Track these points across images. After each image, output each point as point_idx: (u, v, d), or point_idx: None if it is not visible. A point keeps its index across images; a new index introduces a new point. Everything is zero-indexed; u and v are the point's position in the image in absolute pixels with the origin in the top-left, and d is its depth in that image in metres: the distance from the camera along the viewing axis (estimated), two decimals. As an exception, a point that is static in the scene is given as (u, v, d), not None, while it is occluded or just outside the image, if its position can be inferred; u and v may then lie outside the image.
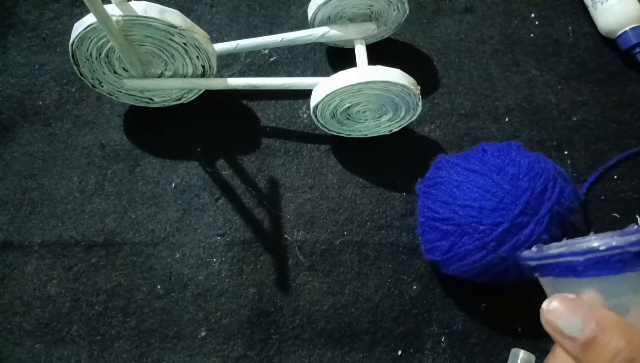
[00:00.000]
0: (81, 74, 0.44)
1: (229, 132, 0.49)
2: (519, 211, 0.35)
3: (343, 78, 0.40)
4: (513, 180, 0.36)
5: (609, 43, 0.52)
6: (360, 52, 0.44)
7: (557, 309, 0.26)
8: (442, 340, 0.41)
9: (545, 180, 0.36)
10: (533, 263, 0.31)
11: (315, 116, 0.44)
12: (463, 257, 0.36)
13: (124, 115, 0.49)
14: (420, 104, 0.43)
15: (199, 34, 0.41)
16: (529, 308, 0.42)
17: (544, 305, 0.27)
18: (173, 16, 0.39)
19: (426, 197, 0.39)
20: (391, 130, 0.47)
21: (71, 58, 0.42)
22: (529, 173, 0.36)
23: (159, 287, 0.43)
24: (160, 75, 0.45)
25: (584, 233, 0.44)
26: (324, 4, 0.44)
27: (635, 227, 0.26)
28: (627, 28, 0.49)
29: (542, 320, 0.27)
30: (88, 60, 0.42)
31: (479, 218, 0.35)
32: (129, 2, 0.38)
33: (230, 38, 0.52)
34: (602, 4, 0.50)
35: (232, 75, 0.51)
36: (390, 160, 0.47)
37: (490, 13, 0.54)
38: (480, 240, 0.35)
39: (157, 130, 0.49)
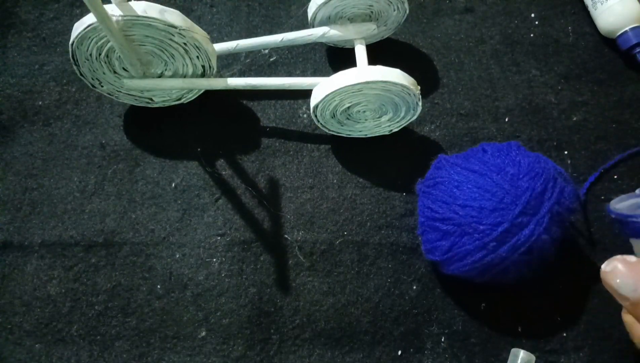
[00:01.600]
0: (81, 74, 0.44)
1: (229, 132, 0.49)
2: (519, 211, 0.35)
3: (343, 78, 0.40)
4: (513, 180, 0.36)
5: (609, 43, 0.52)
6: (360, 52, 0.44)
7: (613, 271, 0.28)
8: (442, 340, 0.41)
9: (545, 180, 0.36)
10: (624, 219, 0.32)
11: (315, 116, 0.44)
12: (463, 257, 0.37)
13: (124, 115, 0.49)
14: (420, 104, 0.43)
15: (199, 34, 0.41)
16: (529, 308, 0.42)
17: (603, 266, 0.28)
18: (173, 16, 0.39)
19: (426, 197, 0.39)
20: (391, 130, 0.47)
21: (71, 58, 0.42)
22: (529, 173, 0.36)
23: (159, 287, 0.43)
24: (160, 75, 0.45)
25: (583, 233, 0.44)
26: (324, 4, 0.44)
27: None
28: (627, 28, 0.49)
29: (602, 278, 0.28)
30: (88, 60, 0.42)
31: (479, 218, 0.35)
32: (129, 2, 0.38)
33: (230, 38, 0.52)
34: (602, 4, 0.50)
35: (232, 75, 0.51)
36: (390, 160, 0.47)
37: (490, 13, 0.54)
38: (480, 240, 0.35)
39: (157, 130, 0.49)
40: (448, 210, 0.37)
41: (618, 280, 0.27)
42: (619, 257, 0.28)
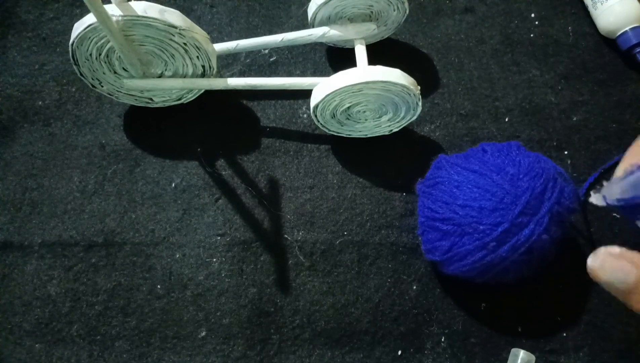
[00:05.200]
0: (81, 74, 0.44)
1: (229, 132, 0.49)
2: (519, 211, 0.35)
3: (343, 78, 0.40)
4: (513, 180, 0.36)
5: (609, 43, 0.52)
6: (360, 52, 0.44)
7: (598, 266, 0.27)
8: (442, 340, 0.41)
9: (545, 180, 0.36)
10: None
11: (315, 116, 0.44)
12: (463, 257, 0.37)
13: (124, 115, 0.49)
14: (420, 104, 0.43)
15: (199, 34, 0.41)
16: (529, 308, 0.42)
17: (589, 261, 0.28)
18: (173, 16, 0.39)
19: (426, 197, 0.39)
20: (391, 130, 0.47)
21: (71, 58, 0.42)
22: (529, 173, 0.36)
23: (159, 287, 0.43)
24: (160, 75, 0.45)
25: (583, 233, 0.44)
26: (324, 4, 0.44)
27: None
28: (627, 28, 0.49)
29: (590, 274, 0.28)
30: (88, 60, 0.42)
31: (479, 218, 0.35)
32: (129, 2, 0.38)
33: (230, 38, 0.52)
34: (602, 4, 0.50)
35: (232, 75, 0.51)
36: (390, 160, 0.47)
37: (490, 13, 0.54)
38: (480, 240, 0.35)
39: (157, 130, 0.49)
40: (448, 210, 0.37)
41: (605, 275, 0.27)
42: (602, 249, 0.27)
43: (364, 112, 0.44)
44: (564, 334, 0.41)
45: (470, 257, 0.36)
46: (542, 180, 0.36)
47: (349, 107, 0.44)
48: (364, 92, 0.41)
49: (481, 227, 0.35)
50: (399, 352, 0.41)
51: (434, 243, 0.38)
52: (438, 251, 0.38)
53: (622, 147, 0.47)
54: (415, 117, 0.45)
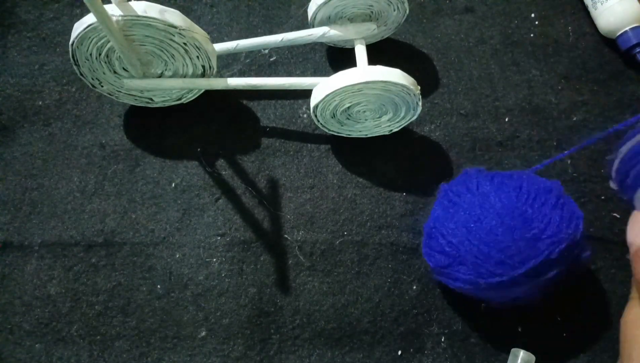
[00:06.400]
0: (81, 74, 0.44)
1: (229, 132, 0.49)
2: (522, 272, 0.34)
3: (343, 78, 0.40)
4: (533, 240, 0.34)
5: (609, 43, 0.52)
6: (360, 52, 0.44)
7: (631, 219, 0.31)
8: (442, 340, 0.41)
9: (566, 248, 0.34)
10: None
11: (315, 116, 0.44)
12: (455, 279, 0.37)
13: (124, 115, 0.49)
14: (420, 104, 0.43)
15: (199, 34, 0.41)
16: (529, 308, 0.42)
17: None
18: (173, 16, 0.39)
19: (443, 209, 0.38)
20: (391, 130, 0.47)
21: (71, 58, 0.42)
22: (552, 236, 0.34)
23: (159, 287, 0.43)
24: (160, 75, 0.45)
25: (583, 233, 0.44)
26: (324, 4, 0.44)
27: None
28: (627, 28, 0.49)
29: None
30: (88, 60, 0.42)
31: (482, 262, 0.35)
32: (129, 2, 0.38)
33: (230, 38, 0.52)
34: (602, 4, 0.50)
35: (232, 75, 0.51)
36: (390, 160, 0.47)
37: (490, 13, 0.54)
38: (475, 278, 0.35)
39: (157, 130, 0.49)
40: (458, 237, 0.36)
41: (628, 228, 0.30)
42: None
43: (364, 112, 0.44)
44: (564, 334, 0.41)
45: (461, 284, 0.36)
46: (562, 248, 0.34)
47: (349, 107, 0.44)
48: (364, 92, 0.41)
49: (481, 270, 0.35)
50: (399, 352, 0.41)
51: (434, 252, 0.38)
52: (435, 260, 0.38)
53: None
54: (415, 117, 0.45)
